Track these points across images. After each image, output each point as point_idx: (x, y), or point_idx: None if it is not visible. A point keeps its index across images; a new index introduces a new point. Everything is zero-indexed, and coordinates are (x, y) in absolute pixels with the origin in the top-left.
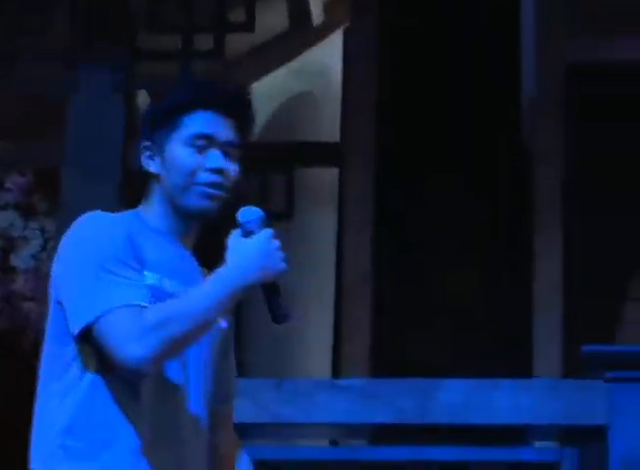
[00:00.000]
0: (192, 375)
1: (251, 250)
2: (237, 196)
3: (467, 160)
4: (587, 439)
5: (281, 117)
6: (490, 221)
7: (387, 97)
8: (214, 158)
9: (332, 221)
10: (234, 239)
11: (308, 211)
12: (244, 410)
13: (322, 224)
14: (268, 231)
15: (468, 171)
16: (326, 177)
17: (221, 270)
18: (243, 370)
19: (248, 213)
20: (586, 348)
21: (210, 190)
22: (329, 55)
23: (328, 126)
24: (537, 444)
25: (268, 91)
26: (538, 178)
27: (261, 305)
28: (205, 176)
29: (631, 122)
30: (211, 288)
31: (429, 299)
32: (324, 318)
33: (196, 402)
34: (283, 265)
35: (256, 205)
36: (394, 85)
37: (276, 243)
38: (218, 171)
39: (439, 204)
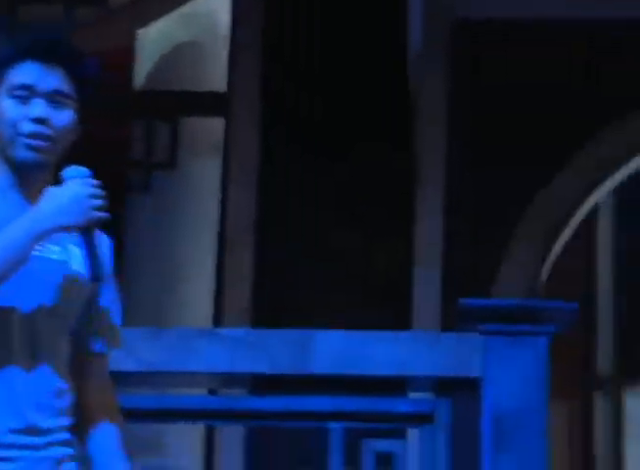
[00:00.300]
0: (30, 318)
1: (59, 195)
2: (119, 145)
3: (358, 104)
4: (461, 391)
5: (167, 65)
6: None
7: (274, 42)
8: (35, 107)
9: (216, 171)
10: (49, 189)
11: (193, 161)
12: (120, 359)
13: (206, 174)
14: (85, 180)
15: (363, 117)
16: (212, 127)
17: (21, 217)
18: (123, 321)
19: (72, 172)
20: (463, 301)
21: (32, 141)
22: (216, 2)
23: (215, 75)
24: (413, 395)
25: (154, 38)
26: (423, 134)
27: (143, 256)
28: (26, 127)
29: (519, 78)
30: (8, 234)
31: (312, 251)
32: (206, 268)
33: (37, 350)
34: (94, 213)
35: (140, 154)
36: (281, 31)
37: (90, 190)
38: (40, 121)
39: (327, 153)
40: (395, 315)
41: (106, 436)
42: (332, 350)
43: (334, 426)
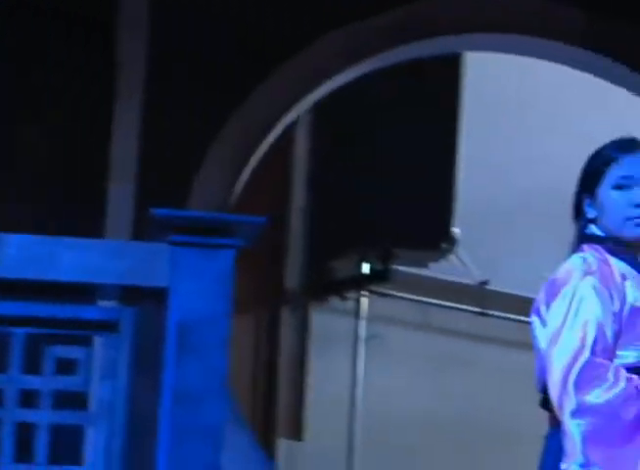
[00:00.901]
0: None
1: None
2: None
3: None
4: (148, 300)
5: None
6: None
7: None
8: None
9: None
10: None
11: None
12: None
13: None
14: None
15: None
16: None
17: None
18: None
19: None
20: (154, 211)
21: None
22: None
23: None
24: (102, 303)
25: None
26: (124, 48)
27: None
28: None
29: None
30: None
31: (2, 155)
32: None
33: None
34: None
35: None
36: None
37: None
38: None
39: (23, 58)
40: (90, 225)
41: None
42: (19, 254)
43: (16, 331)
